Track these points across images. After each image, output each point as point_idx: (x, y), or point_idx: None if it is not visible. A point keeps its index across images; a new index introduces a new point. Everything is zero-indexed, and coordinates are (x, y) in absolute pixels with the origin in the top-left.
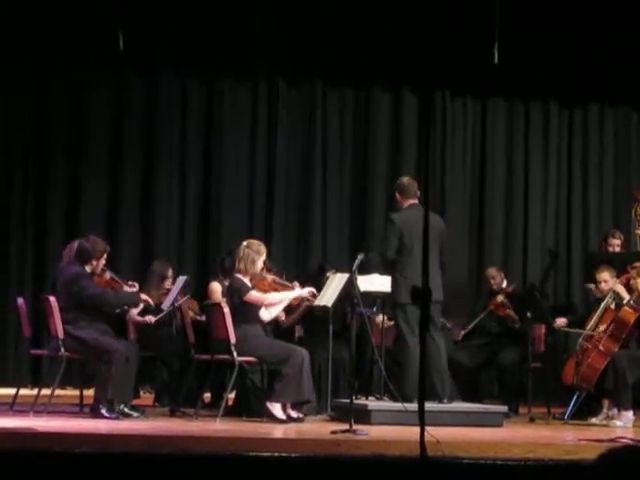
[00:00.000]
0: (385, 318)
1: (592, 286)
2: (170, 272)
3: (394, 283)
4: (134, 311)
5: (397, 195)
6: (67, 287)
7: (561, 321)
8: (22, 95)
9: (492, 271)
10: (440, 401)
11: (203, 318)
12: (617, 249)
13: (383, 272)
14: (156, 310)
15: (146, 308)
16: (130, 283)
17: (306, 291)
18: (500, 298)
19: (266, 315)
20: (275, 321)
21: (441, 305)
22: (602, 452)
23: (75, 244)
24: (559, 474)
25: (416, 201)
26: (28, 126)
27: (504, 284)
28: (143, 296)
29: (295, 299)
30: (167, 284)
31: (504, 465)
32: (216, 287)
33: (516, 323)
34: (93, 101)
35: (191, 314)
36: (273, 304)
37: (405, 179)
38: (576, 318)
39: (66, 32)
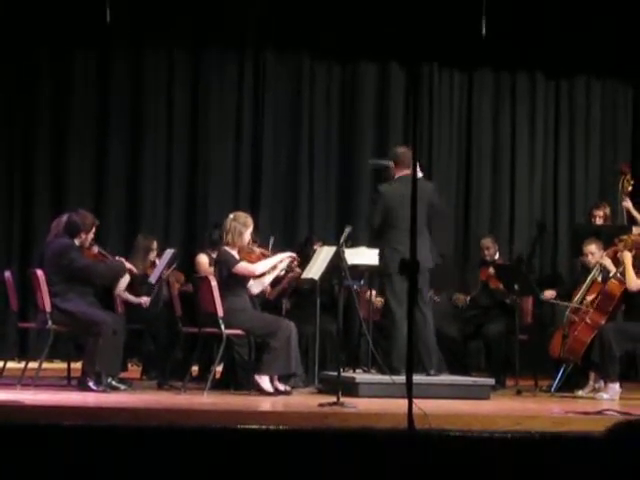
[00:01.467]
0: (374, 293)
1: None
2: (155, 245)
3: (382, 254)
4: (122, 286)
5: (391, 164)
6: (56, 259)
7: (549, 293)
8: (6, 69)
9: (487, 242)
10: (427, 373)
11: (190, 288)
12: (600, 220)
13: (370, 245)
14: (143, 281)
15: (133, 282)
16: (117, 259)
17: (287, 255)
18: (492, 270)
19: (255, 288)
20: (262, 294)
21: (429, 274)
22: (613, 424)
23: (64, 217)
24: (546, 446)
25: (409, 172)
26: (13, 100)
27: (497, 256)
28: (127, 264)
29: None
30: (152, 256)
31: (491, 437)
32: (203, 259)
33: (507, 297)
34: (79, 74)
35: (177, 285)
36: (264, 273)
37: (400, 149)
38: (563, 290)
39: (52, 5)
